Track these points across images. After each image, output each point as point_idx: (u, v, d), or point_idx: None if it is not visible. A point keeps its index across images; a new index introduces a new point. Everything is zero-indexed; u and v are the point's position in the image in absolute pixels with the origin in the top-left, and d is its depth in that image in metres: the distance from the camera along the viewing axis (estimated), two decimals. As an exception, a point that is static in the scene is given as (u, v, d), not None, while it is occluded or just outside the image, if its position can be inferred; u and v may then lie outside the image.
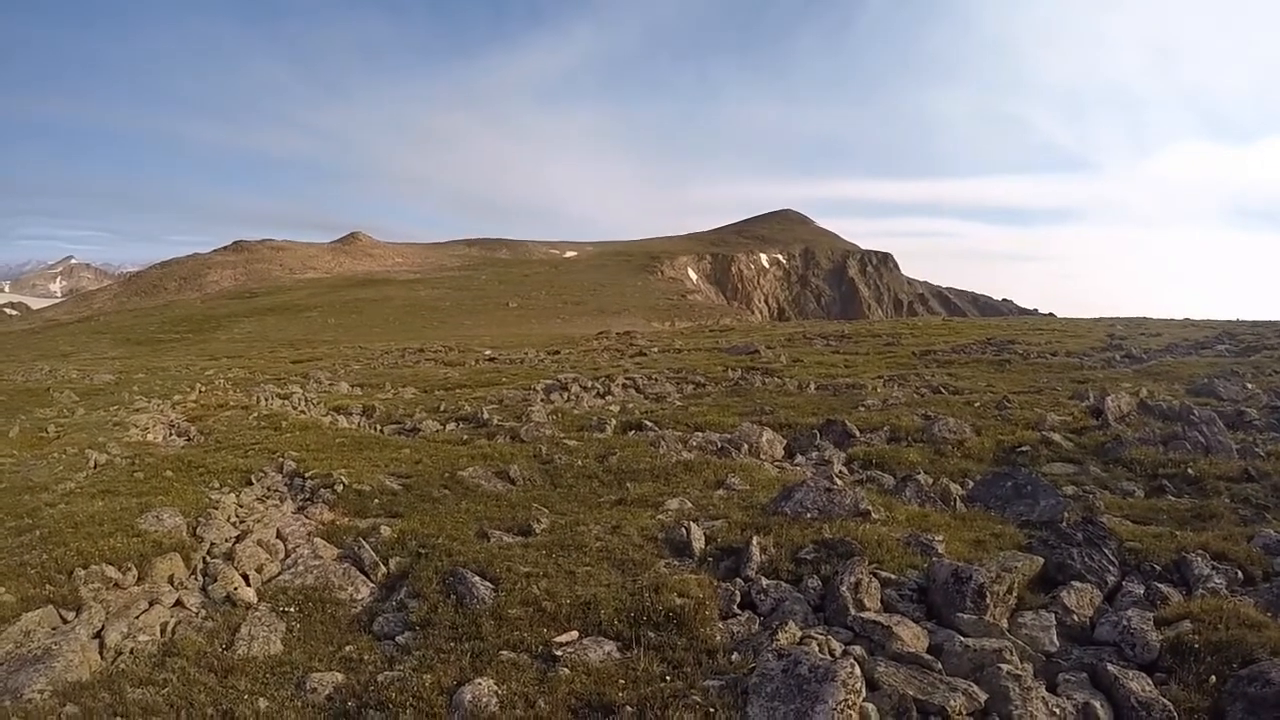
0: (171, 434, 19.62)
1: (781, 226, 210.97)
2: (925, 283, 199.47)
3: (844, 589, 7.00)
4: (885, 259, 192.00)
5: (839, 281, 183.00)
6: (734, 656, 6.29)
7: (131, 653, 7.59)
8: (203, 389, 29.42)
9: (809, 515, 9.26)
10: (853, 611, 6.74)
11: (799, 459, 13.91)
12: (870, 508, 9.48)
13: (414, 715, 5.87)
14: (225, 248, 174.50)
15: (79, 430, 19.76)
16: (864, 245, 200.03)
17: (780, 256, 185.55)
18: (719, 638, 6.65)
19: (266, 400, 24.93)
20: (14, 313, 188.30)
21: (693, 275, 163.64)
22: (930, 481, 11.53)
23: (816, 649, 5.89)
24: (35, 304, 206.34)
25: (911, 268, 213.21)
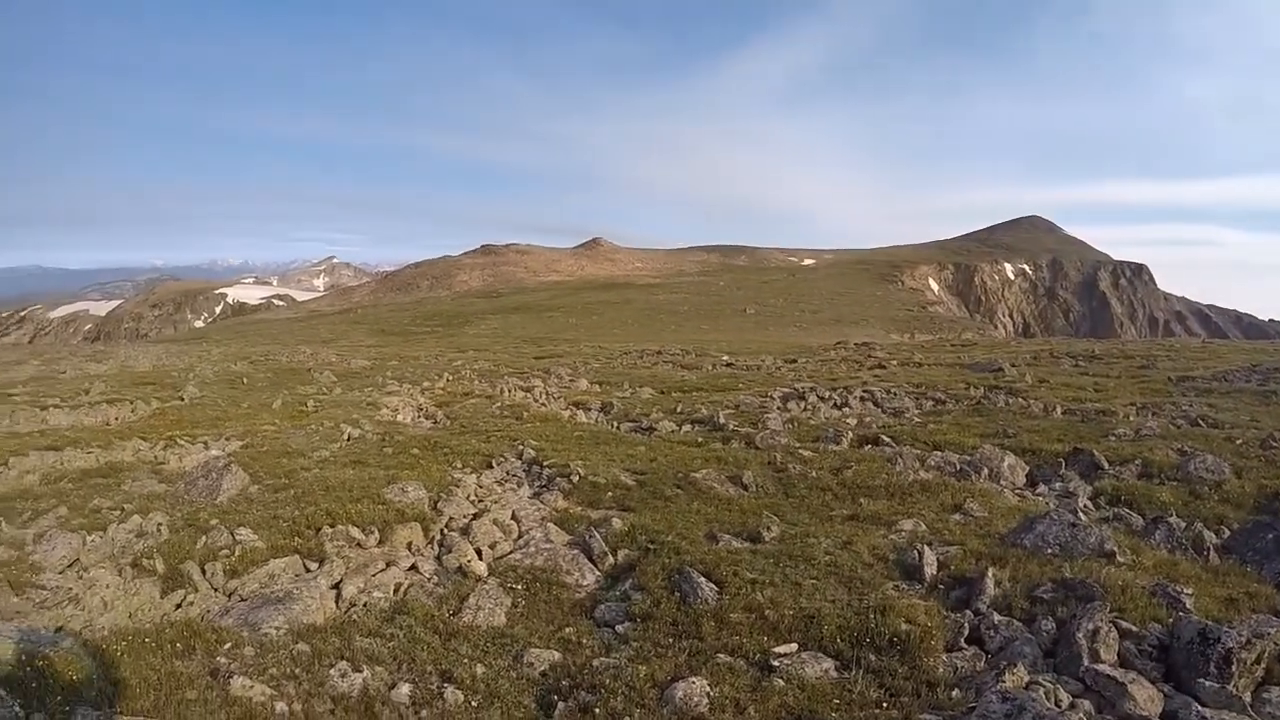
0: (419, 416, 21.26)
1: (1027, 235, 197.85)
2: (1183, 298, 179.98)
3: (1080, 636, 6.46)
4: (1139, 271, 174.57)
5: (1089, 295, 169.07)
6: (954, 692, 6.01)
7: (365, 606, 8.33)
8: (450, 378, 31.66)
9: (1049, 550, 8.65)
10: (1086, 662, 6.20)
11: (1041, 488, 12.99)
12: (1116, 549, 8.68)
13: (624, 703, 6.04)
14: (474, 250, 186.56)
15: (335, 406, 21.84)
16: (1115, 255, 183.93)
17: (1026, 267, 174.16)
18: (941, 670, 6.38)
19: (509, 391, 26.40)
20: (281, 303, 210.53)
21: (934, 286, 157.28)
22: (1183, 526, 10.35)
23: (1043, 696, 5.52)
24: (300, 297, 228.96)
25: (1167, 281, 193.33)
